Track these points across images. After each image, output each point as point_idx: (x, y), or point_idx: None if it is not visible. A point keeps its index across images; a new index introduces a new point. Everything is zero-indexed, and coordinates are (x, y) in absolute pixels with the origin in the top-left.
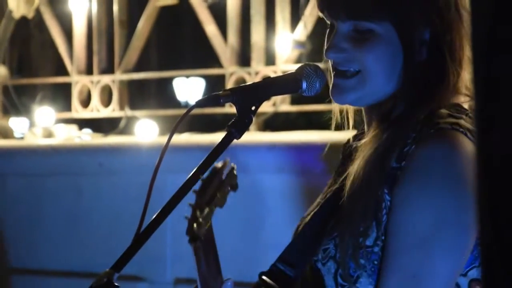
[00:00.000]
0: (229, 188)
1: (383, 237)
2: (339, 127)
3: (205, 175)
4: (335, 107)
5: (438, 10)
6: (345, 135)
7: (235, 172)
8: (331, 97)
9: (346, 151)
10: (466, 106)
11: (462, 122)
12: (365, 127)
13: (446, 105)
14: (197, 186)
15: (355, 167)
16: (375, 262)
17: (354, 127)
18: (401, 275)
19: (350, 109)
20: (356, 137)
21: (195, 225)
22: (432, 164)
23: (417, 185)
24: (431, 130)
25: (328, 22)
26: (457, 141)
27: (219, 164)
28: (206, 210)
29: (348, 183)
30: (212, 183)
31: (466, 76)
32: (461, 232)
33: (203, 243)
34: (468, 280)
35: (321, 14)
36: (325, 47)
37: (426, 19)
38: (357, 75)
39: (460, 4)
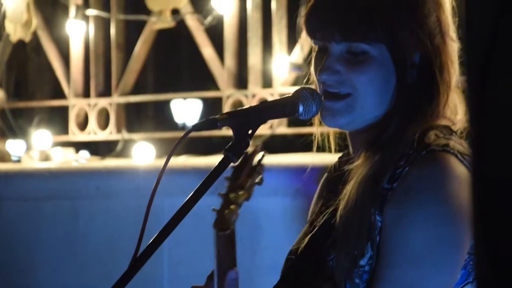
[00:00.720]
0: (256, 180)
1: (374, 257)
2: (328, 149)
3: (237, 162)
4: (316, 130)
5: (428, 33)
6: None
7: (262, 163)
8: (321, 120)
9: (334, 175)
10: (453, 127)
11: (451, 143)
12: (351, 150)
13: (436, 127)
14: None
15: (349, 188)
16: (368, 282)
17: (337, 150)
18: (393, 286)
19: (331, 132)
20: (345, 161)
21: (226, 212)
22: (424, 185)
23: (409, 205)
24: (423, 152)
25: (316, 45)
26: (447, 163)
27: (250, 149)
28: (238, 196)
29: (342, 204)
30: (244, 169)
31: (452, 98)
32: (453, 250)
33: (229, 235)
34: None
35: (308, 37)
36: (314, 69)
37: (418, 41)
38: (348, 97)
39: (444, 30)
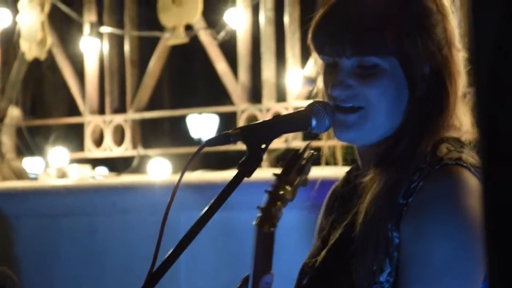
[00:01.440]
0: (302, 179)
1: (394, 273)
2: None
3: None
4: (324, 143)
5: (437, 44)
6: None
7: (310, 162)
8: (333, 133)
9: (344, 189)
10: (461, 138)
11: (464, 156)
12: (360, 164)
13: (446, 139)
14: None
15: (365, 202)
16: None
17: (344, 164)
18: None
19: (338, 146)
20: (354, 175)
21: (273, 209)
22: (440, 200)
23: (427, 220)
24: (436, 167)
25: (324, 60)
26: (461, 177)
27: (300, 149)
28: (287, 192)
29: (359, 220)
30: (294, 167)
31: (459, 108)
32: (473, 263)
33: (273, 233)
34: None
35: (316, 52)
36: (324, 83)
37: (427, 52)
38: (360, 110)
39: (451, 40)
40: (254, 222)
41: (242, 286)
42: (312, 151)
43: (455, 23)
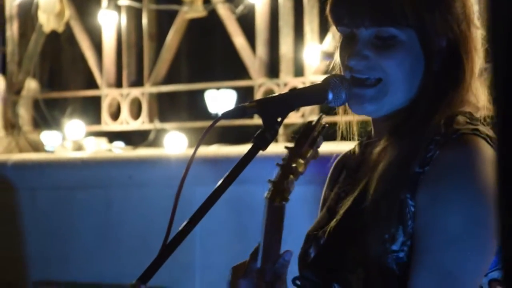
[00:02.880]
0: (314, 152)
1: (409, 242)
2: (351, 138)
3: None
4: (340, 118)
5: (456, 19)
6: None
7: (322, 135)
8: (349, 107)
9: (353, 161)
10: (476, 114)
11: (481, 128)
12: (373, 135)
13: (461, 112)
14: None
15: (377, 173)
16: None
17: (360, 139)
18: (436, 271)
19: (355, 120)
20: (365, 145)
21: (285, 182)
22: (457, 167)
23: (444, 187)
24: (453, 136)
25: (341, 32)
26: (479, 146)
27: (313, 120)
28: (299, 165)
29: (372, 188)
30: (306, 139)
31: (475, 85)
32: (488, 232)
33: (284, 206)
34: (488, 280)
35: (332, 23)
36: (340, 56)
37: (446, 26)
38: (378, 84)
39: (469, 16)
40: (265, 195)
41: (251, 261)
42: (324, 123)
43: (474, 0)
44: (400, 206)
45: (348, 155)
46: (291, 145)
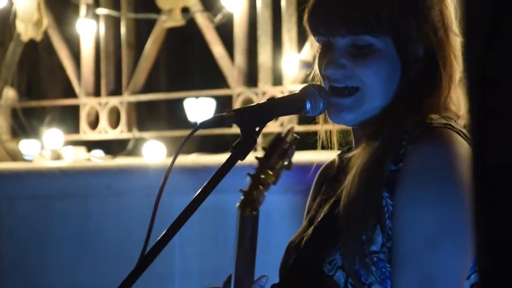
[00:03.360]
0: (285, 163)
1: (388, 244)
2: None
3: (269, 143)
4: (321, 127)
5: (432, 26)
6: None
7: (293, 146)
8: (328, 116)
9: (334, 171)
10: (457, 121)
11: (453, 123)
12: (353, 144)
13: (435, 113)
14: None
15: (350, 176)
16: (383, 270)
17: (341, 147)
18: (416, 275)
19: (335, 129)
20: (346, 156)
21: (255, 192)
22: (431, 163)
23: (418, 185)
24: (426, 129)
25: (319, 41)
26: (452, 138)
27: (283, 131)
28: (268, 176)
29: (344, 192)
30: (276, 151)
31: (455, 92)
32: (467, 230)
33: (255, 216)
34: (470, 284)
35: (310, 32)
36: (318, 66)
37: (422, 33)
38: (356, 93)
39: (447, 23)
40: (236, 205)
41: (226, 285)
42: (295, 135)
43: (452, 8)
44: (378, 205)
45: (330, 166)
46: (260, 155)
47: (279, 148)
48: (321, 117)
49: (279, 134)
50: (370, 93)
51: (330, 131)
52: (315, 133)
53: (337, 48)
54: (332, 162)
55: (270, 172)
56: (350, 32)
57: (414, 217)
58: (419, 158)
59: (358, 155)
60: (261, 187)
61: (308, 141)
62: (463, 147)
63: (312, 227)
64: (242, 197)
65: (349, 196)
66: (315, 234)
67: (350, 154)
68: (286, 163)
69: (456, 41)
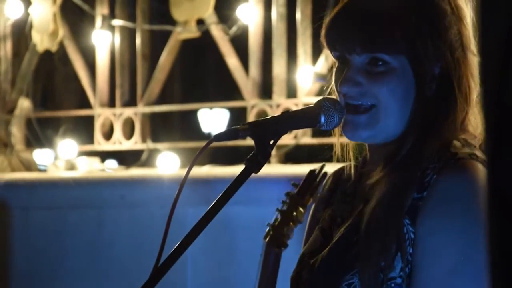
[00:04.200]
0: (313, 200)
1: (407, 269)
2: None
3: (301, 181)
4: (337, 141)
5: (449, 46)
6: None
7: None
8: (343, 133)
9: (349, 185)
10: (474, 141)
11: (477, 152)
12: (368, 161)
13: (455, 138)
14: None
15: (375, 200)
16: None
17: (356, 160)
18: None
19: (351, 143)
20: (361, 172)
21: (285, 228)
22: (456, 194)
23: (443, 215)
24: (451, 160)
25: (336, 58)
26: (478, 170)
27: (316, 168)
28: (301, 214)
29: (367, 216)
30: (309, 188)
31: (473, 112)
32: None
33: (280, 252)
34: None
35: (327, 48)
36: (334, 82)
37: (438, 53)
38: (371, 110)
39: (465, 43)
40: (265, 239)
41: None
42: (325, 172)
43: (471, 27)
44: (399, 232)
45: (343, 178)
46: (293, 192)
47: (312, 186)
48: (337, 130)
49: (312, 171)
50: (385, 111)
51: (347, 144)
52: (330, 146)
53: (353, 65)
54: (346, 175)
55: (302, 210)
56: (366, 51)
57: (436, 246)
58: (443, 189)
59: (378, 182)
60: (291, 224)
61: (323, 154)
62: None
63: (328, 248)
64: (271, 231)
65: (370, 223)
66: (331, 256)
67: (368, 175)
68: (313, 199)
69: (474, 61)
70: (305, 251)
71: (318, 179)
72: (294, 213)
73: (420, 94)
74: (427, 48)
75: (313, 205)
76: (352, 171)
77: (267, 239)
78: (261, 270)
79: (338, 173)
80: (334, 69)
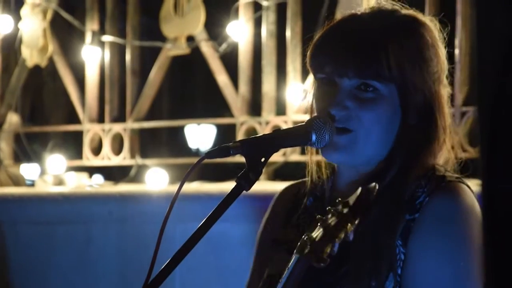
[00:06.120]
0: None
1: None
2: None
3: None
4: (309, 158)
5: (431, 77)
6: None
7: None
8: (321, 154)
9: (304, 198)
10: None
11: (459, 175)
12: (337, 180)
13: (436, 164)
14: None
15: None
16: None
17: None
18: None
19: (323, 160)
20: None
21: (329, 246)
22: (448, 216)
23: (434, 236)
24: (442, 183)
25: (317, 78)
26: (467, 193)
27: (371, 186)
28: (347, 231)
29: (356, 239)
30: (362, 207)
31: (448, 140)
32: (478, 281)
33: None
34: None
35: (310, 68)
36: (316, 101)
37: (423, 83)
38: (351, 133)
39: (441, 77)
40: (302, 251)
41: None
42: (378, 189)
43: (444, 57)
44: (392, 253)
45: (295, 192)
46: (346, 209)
47: (362, 206)
48: (309, 148)
49: (366, 189)
50: (366, 135)
51: (320, 162)
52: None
53: (342, 88)
54: (298, 188)
55: (351, 228)
56: (358, 76)
57: (427, 267)
58: (435, 211)
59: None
60: (336, 240)
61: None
62: (473, 201)
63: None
64: (309, 245)
65: (363, 243)
66: (311, 276)
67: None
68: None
69: (445, 92)
70: (271, 272)
71: (371, 198)
72: (341, 234)
73: (405, 122)
74: (415, 77)
75: (261, 226)
76: (309, 188)
77: (306, 250)
78: (287, 278)
79: (290, 191)
80: (314, 89)
